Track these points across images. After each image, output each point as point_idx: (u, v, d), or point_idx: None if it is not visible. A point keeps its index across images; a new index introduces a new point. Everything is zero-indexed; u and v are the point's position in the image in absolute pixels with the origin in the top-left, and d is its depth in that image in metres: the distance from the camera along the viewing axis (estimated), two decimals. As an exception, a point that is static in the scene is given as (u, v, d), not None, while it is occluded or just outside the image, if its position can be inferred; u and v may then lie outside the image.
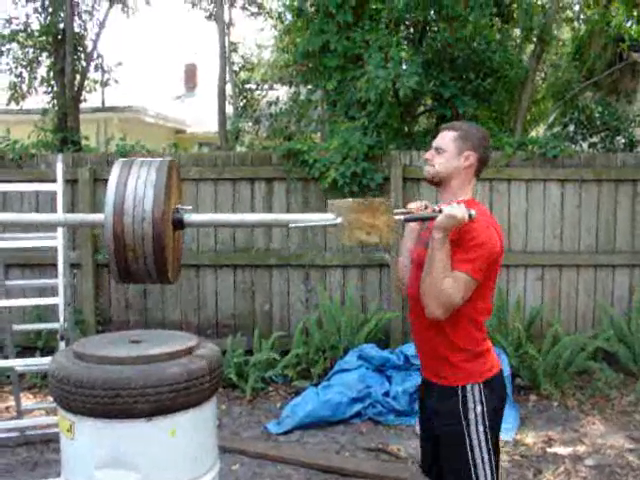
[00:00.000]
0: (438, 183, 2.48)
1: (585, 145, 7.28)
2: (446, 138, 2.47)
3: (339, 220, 2.23)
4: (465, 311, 2.35)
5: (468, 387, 2.39)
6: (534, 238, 5.89)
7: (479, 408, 2.38)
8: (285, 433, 4.61)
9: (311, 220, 2.35)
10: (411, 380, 4.85)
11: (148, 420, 2.39)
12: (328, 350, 5.43)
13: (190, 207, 2.31)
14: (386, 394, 4.87)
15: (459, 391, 2.39)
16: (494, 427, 2.42)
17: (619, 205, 5.89)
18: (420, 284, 2.33)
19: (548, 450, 4.34)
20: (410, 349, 5.02)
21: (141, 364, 2.43)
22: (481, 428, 2.37)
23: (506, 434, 4.35)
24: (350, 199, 2.30)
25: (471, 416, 2.37)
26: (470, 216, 2.27)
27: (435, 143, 2.49)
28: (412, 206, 2.50)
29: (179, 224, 2.21)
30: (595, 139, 7.25)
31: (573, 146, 6.93)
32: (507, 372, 4.94)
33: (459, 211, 2.25)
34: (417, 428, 4.59)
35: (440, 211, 2.28)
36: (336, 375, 5.02)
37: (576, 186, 5.87)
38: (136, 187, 2.03)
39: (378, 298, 5.88)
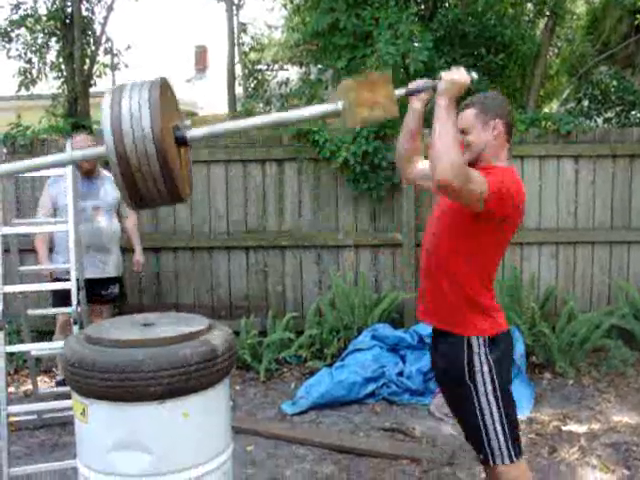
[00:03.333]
0: (474, 162, 2.46)
1: (600, 120, 7.18)
2: (468, 117, 2.49)
3: (340, 105, 2.19)
4: (477, 262, 2.43)
5: (474, 339, 2.44)
6: (548, 215, 5.83)
7: (484, 360, 2.43)
8: (300, 414, 4.63)
9: (314, 113, 2.28)
10: (425, 359, 4.84)
11: (160, 403, 2.40)
12: (342, 330, 5.44)
13: (189, 122, 2.27)
14: (400, 374, 4.87)
15: (465, 341, 2.44)
16: (501, 380, 2.45)
17: (634, 181, 5.81)
18: (430, 151, 2.27)
19: (563, 428, 4.33)
20: (424, 329, 5.01)
21: (153, 347, 2.43)
22: (488, 379, 2.42)
23: (521, 412, 4.33)
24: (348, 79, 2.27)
25: (476, 363, 2.42)
26: (472, 80, 2.25)
27: (459, 125, 2.46)
28: (412, 86, 2.50)
29: (182, 140, 2.18)
30: (610, 114, 7.14)
31: (588, 121, 6.84)
32: (522, 350, 4.92)
33: (459, 73, 2.24)
34: (431, 407, 4.61)
35: (440, 79, 2.27)
36: (350, 355, 5.02)
37: (590, 162, 5.79)
38: (130, 107, 1.99)
39: (391, 278, 5.87)
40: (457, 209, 2.43)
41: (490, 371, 2.42)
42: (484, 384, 2.42)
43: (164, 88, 2.11)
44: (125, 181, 2.03)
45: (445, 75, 2.26)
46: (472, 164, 2.46)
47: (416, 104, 2.56)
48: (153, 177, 2.03)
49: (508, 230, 2.50)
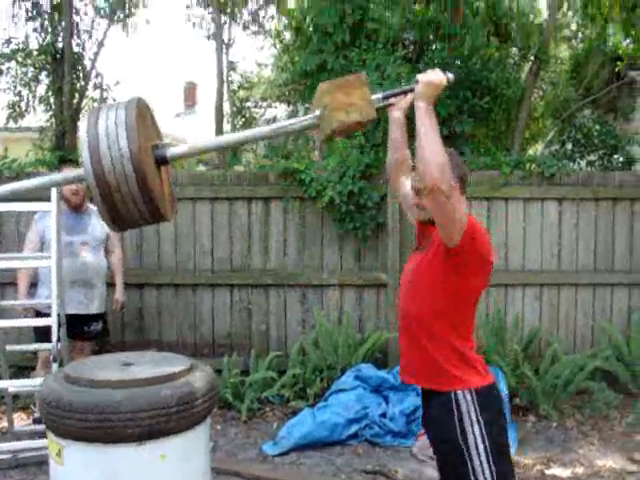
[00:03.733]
0: (432, 220, 2.43)
1: (583, 163, 7.29)
2: None
3: (318, 112, 2.16)
4: (452, 315, 2.39)
5: (460, 396, 2.38)
6: (532, 257, 5.87)
7: (473, 414, 2.36)
8: (281, 454, 4.56)
9: (292, 125, 2.27)
10: (408, 401, 4.82)
11: (139, 445, 2.37)
12: (325, 370, 5.40)
13: (170, 142, 2.26)
14: (383, 415, 4.83)
15: (453, 399, 2.38)
16: (493, 434, 2.37)
17: (617, 224, 5.88)
18: (416, 156, 2.23)
19: (547, 472, 4.29)
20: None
21: (132, 387, 2.41)
22: (480, 440, 2.34)
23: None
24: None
25: (466, 423, 2.35)
26: (448, 80, 2.23)
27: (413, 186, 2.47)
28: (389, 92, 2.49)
29: (162, 159, 2.17)
30: (593, 157, 7.25)
31: (571, 164, 6.93)
32: (505, 392, 4.90)
33: (435, 75, 2.22)
34: (414, 449, 4.57)
35: (417, 82, 2.24)
36: (333, 395, 4.98)
37: (574, 205, 5.86)
38: (107, 128, 2.00)
39: (375, 318, 5.85)
40: (428, 262, 2.41)
41: (481, 432, 2.35)
42: (476, 447, 2.34)
43: (141, 108, 2.10)
44: (105, 202, 2.02)
45: (421, 77, 2.24)
46: (431, 222, 2.41)
47: (396, 113, 2.55)
48: (132, 197, 2.02)
49: (478, 278, 2.42)
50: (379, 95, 2.33)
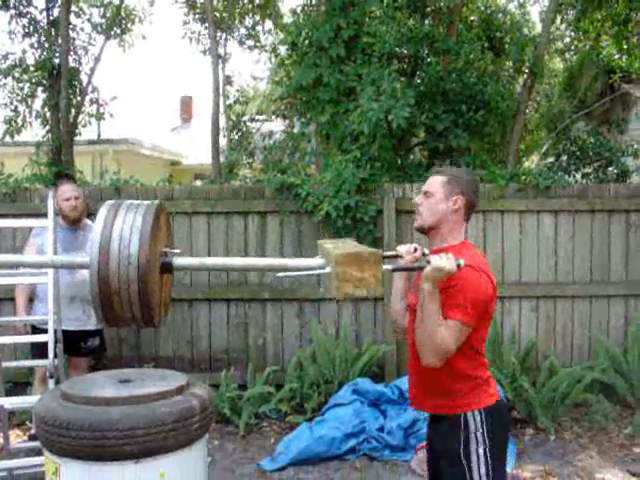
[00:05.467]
0: (428, 231, 2.48)
1: (578, 175, 7.32)
2: (435, 182, 2.50)
3: (328, 269, 2.18)
4: (462, 350, 2.36)
5: (470, 416, 2.39)
6: (528, 269, 5.88)
7: (480, 435, 2.37)
8: (279, 470, 4.55)
9: (300, 268, 2.31)
10: (406, 415, 4.80)
11: (136, 462, 2.36)
12: (322, 384, 5.39)
13: (179, 250, 2.29)
14: (381, 429, 4.82)
15: (462, 419, 2.39)
16: (495, 462, 2.38)
17: (612, 236, 5.90)
18: (414, 333, 2.32)
19: (545, 485, 4.29)
20: (404, 383, 4.98)
21: (129, 405, 2.40)
22: (482, 460, 2.35)
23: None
24: (340, 246, 2.24)
25: (472, 442, 2.36)
26: (459, 266, 2.24)
27: (424, 187, 2.51)
28: (401, 250, 2.52)
29: (167, 268, 2.20)
30: (588, 169, 7.28)
31: (566, 177, 6.96)
32: (503, 405, 4.89)
33: (447, 263, 2.22)
34: (412, 463, 4.55)
35: (428, 262, 2.24)
36: (330, 410, 4.97)
37: (569, 217, 5.88)
38: (122, 231, 2.04)
39: (372, 332, 5.85)
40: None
41: (485, 453, 2.35)
42: (478, 466, 2.35)
43: (158, 214, 2.14)
44: (101, 300, 2.06)
45: (434, 260, 2.23)
46: (426, 232, 2.47)
47: (398, 282, 2.64)
48: (130, 301, 2.06)
49: (487, 318, 2.44)
50: (388, 266, 2.31)
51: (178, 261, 2.23)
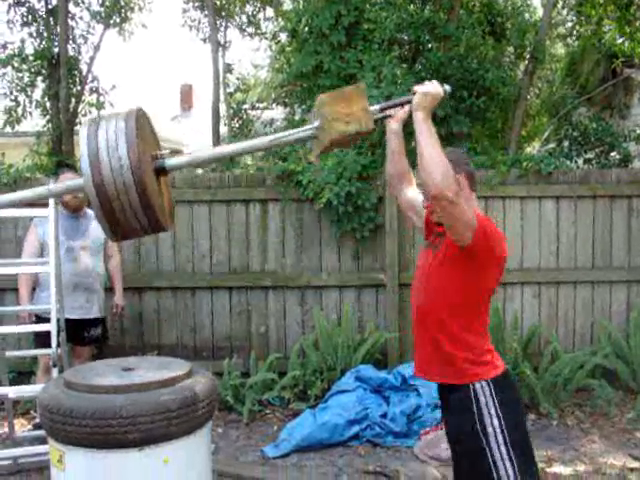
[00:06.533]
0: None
1: (580, 161, 7.30)
2: None
3: (317, 123, 2.18)
4: (469, 312, 2.42)
5: (478, 387, 2.40)
6: (530, 255, 5.88)
7: (492, 408, 2.38)
8: (282, 456, 4.56)
9: (291, 136, 2.29)
10: (408, 401, 4.82)
11: (140, 450, 2.37)
12: (325, 371, 5.40)
13: (169, 151, 2.28)
14: (384, 415, 4.83)
15: (471, 392, 2.40)
16: (510, 423, 2.39)
17: (615, 221, 5.88)
18: (418, 166, 2.25)
19: (548, 470, 4.29)
20: (407, 369, 4.99)
21: (132, 392, 2.41)
22: (499, 431, 2.36)
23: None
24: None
25: (485, 416, 2.37)
26: (445, 91, 2.26)
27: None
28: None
29: (161, 169, 2.19)
30: (590, 155, 7.26)
31: (568, 162, 6.94)
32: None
33: (432, 86, 2.26)
34: (416, 449, 4.57)
35: (414, 93, 2.27)
36: (333, 397, 4.98)
37: (571, 202, 5.87)
38: (107, 138, 2.01)
39: (375, 318, 5.85)
40: (442, 260, 2.44)
41: (500, 424, 2.36)
42: (496, 438, 2.35)
43: (140, 118, 2.11)
44: (104, 211, 2.04)
45: (419, 88, 2.27)
46: (440, 223, 2.46)
47: (393, 125, 2.58)
48: (132, 206, 2.03)
49: (492, 274, 2.48)
50: (376, 106, 2.34)
51: (170, 161, 2.21)
